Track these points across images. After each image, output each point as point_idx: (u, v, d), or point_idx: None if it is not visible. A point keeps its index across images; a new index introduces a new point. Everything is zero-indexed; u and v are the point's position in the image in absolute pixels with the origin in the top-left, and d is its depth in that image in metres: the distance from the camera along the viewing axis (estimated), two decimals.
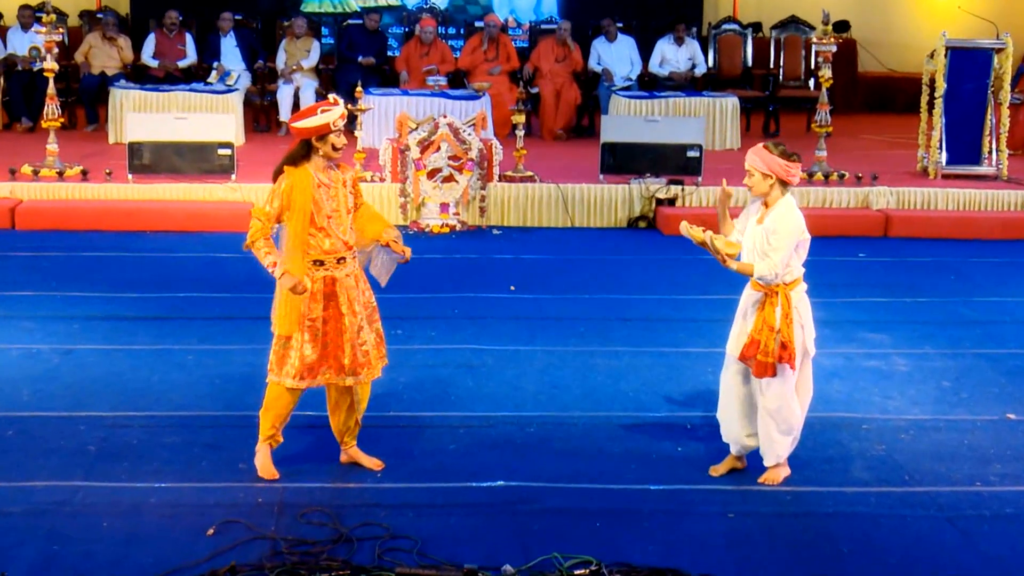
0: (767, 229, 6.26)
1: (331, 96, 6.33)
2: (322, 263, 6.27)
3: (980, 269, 11.36)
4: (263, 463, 6.45)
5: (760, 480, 6.50)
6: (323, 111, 6.14)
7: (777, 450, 6.48)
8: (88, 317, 9.15)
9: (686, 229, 6.32)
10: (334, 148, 6.20)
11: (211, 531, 5.79)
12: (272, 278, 6.34)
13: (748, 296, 6.48)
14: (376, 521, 5.93)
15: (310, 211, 6.18)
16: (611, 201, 12.81)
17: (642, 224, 12.74)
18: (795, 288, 6.33)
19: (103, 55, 16.25)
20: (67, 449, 6.74)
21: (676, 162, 12.99)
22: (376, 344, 6.49)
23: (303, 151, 6.22)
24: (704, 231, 6.30)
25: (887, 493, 6.43)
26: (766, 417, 6.42)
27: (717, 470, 6.63)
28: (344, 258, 6.31)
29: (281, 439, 6.53)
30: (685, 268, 10.81)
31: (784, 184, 6.28)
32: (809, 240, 6.35)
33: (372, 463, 6.59)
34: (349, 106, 13.52)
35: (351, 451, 6.63)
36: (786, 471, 6.56)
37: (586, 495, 6.32)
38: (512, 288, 10.18)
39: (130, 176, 12.56)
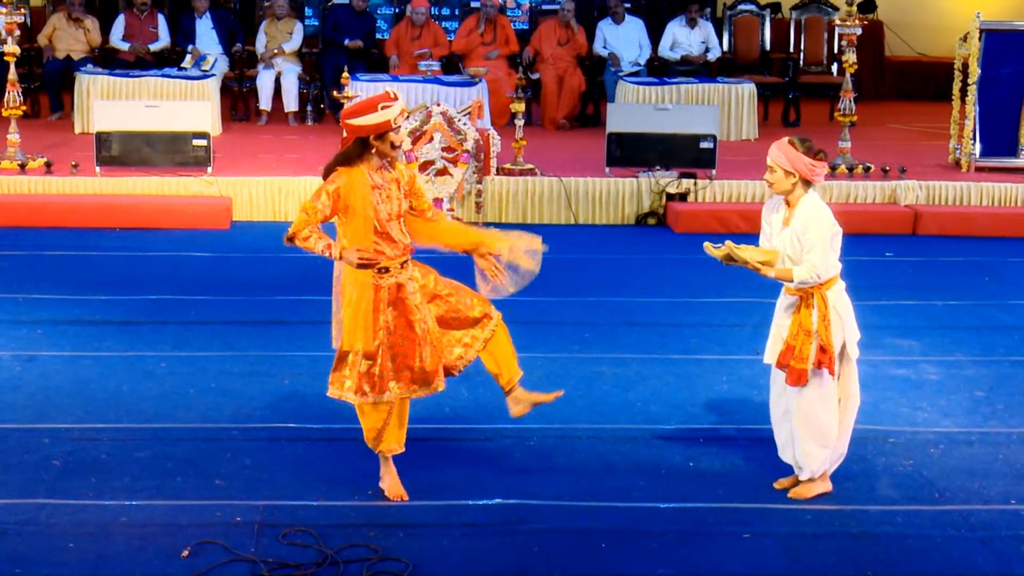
0: (796, 231, 6.28)
1: (390, 90, 6.33)
2: (387, 270, 6.29)
3: (1017, 269, 11.40)
4: (389, 483, 6.48)
5: (790, 495, 6.54)
6: (383, 107, 6.13)
7: (811, 464, 6.50)
8: (52, 321, 9.17)
9: (708, 251, 6.35)
10: (392, 147, 6.23)
11: (185, 552, 5.80)
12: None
13: (782, 300, 6.52)
14: (364, 542, 5.94)
15: (371, 216, 6.20)
16: (618, 196, 12.84)
17: (651, 221, 12.77)
18: (832, 287, 6.36)
19: (68, 38, 16.28)
20: (30, 464, 6.75)
21: (688, 154, 13.01)
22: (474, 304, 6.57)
23: (358, 150, 6.23)
24: (723, 245, 6.31)
25: (915, 512, 6.44)
26: (800, 427, 6.45)
27: (782, 484, 6.66)
28: (407, 262, 6.35)
29: (396, 450, 6.49)
30: (698, 268, 10.81)
31: (807, 183, 6.30)
32: (841, 233, 6.37)
33: (546, 397, 6.67)
34: (335, 93, 13.65)
35: (521, 395, 6.64)
36: (823, 487, 6.57)
37: (590, 514, 6.34)
38: (511, 290, 10.18)
39: (98, 169, 12.58)
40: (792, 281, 6.29)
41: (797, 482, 6.62)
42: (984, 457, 7.14)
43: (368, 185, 6.20)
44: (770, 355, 6.55)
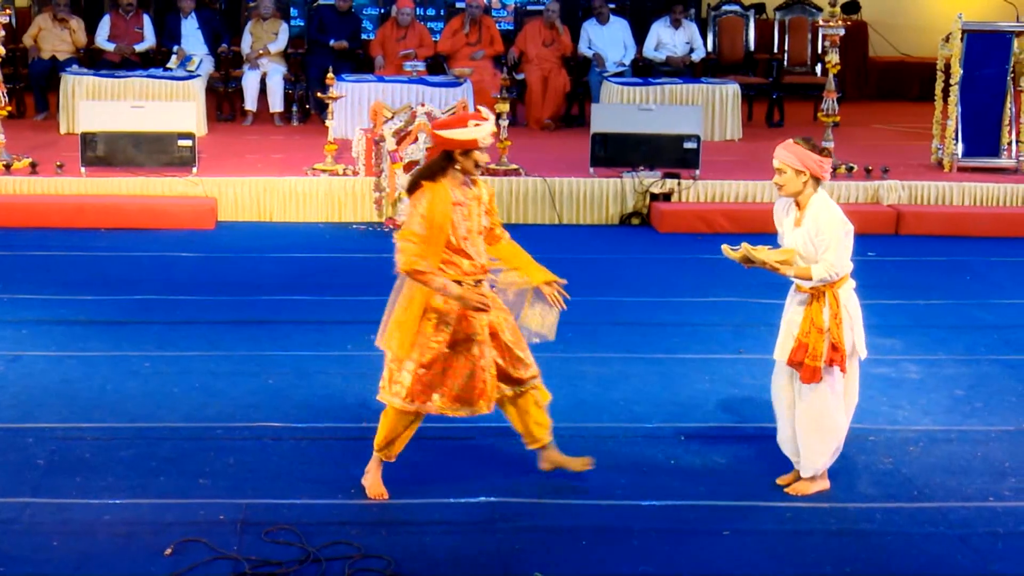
0: (809, 232, 6.31)
1: (483, 109, 6.37)
2: (459, 284, 6.27)
3: (998, 269, 11.45)
4: (371, 482, 6.52)
5: (788, 491, 6.60)
6: (475, 124, 6.18)
7: (816, 462, 6.56)
8: (37, 321, 9.19)
9: (726, 253, 6.40)
10: (476, 165, 6.26)
11: (169, 551, 5.83)
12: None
13: (792, 297, 6.56)
14: (347, 540, 5.97)
15: (448, 231, 6.22)
16: (602, 196, 12.88)
17: (635, 221, 12.80)
18: (843, 286, 6.40)
19: (54, 38, 16.27)
20: (14, 463, 6.78)
21: (672, 154, 13.04)
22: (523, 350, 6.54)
23: (443, 163, 6.26)
24: (740, 248, 6.36)
25: (894, 509, 6.49)
26: (808, 425, 6.49)
27: (785, 480, 6.71)
28: (481, 281, 6.36)
29: (392, 457, 6.54)
30: (681, 268, 10.89)
31: (817, 181, 6.34)
32: (852, 230, 6.40)
33: (582, 463, 6.67)
34: (319, 94, 13.67)
35: (552, 455, 6.68)
36: (823, 484, 6.63)
37: (572, 512, 6.38)
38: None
39: (83, 169, 12.59)
40: (811, 280, 6.32)
41: (798, 477, 6.67)
42: (963, 455, 7.19)
43: (449, 201, 6.21)
44: (781, 351, 6.57)
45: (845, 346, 6.36)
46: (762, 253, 6.35)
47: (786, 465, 6.74)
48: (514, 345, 6.47)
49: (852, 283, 6.48)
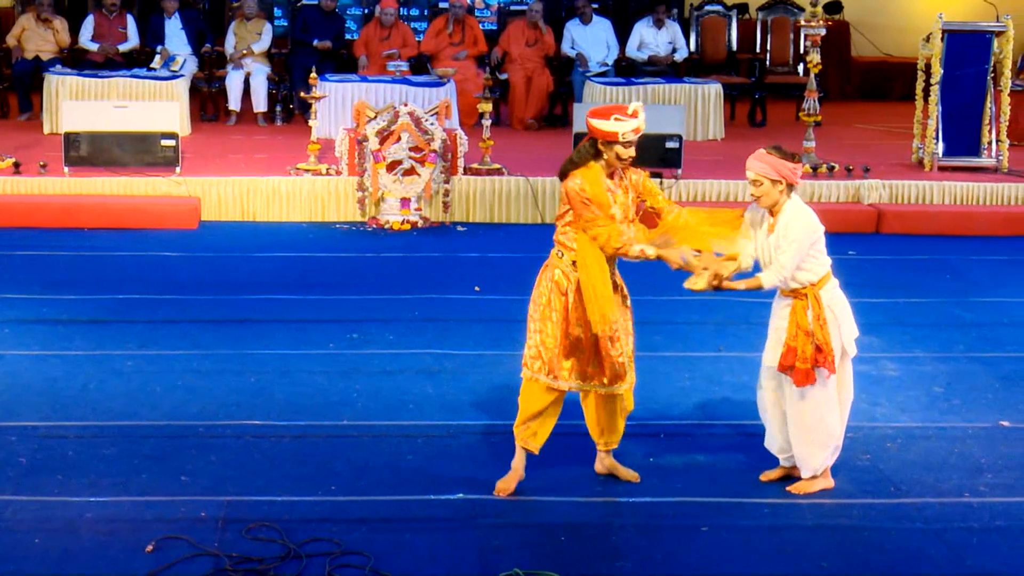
0: (779, 234, 6.36)
1: (632, 106, 6.34)
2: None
3: (978, 267, 11.52)
4: (512, 471, 6.65)
5: (789, 489, 6.65)
6: (617, 119, 6.25)
7: (814, 463, 6.59)
8: (20, 320, 9.21)
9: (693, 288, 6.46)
10: (618, 158, 6.33)
11: (150, 547, 5.86)
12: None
13: (778, 302, 6.59)
14: (327, 536, 6.01)
15: (609, 208, 6.31)
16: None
17: None
18: (824, 286, 6.45)
19: (37, 38, 16.27)
20: None
21: (654, 153, 13.06)
22: (631, 356, 6.65)
23: (590, 150, 6.37)
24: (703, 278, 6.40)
25: (871, 505, 6.55)
26: (803, 427, 6.52)
27: (768, 476, 6.78)
28: (612, 272, 6.44)
29: (532, 446, 6.62)
30: (662, 267, 10.85)
31: (791, 187, 6.38)
32: (823, 233, 6.44)
33: (629, 474, 6.76)
34: (303, 94, 13.69)
35: (605, 460, 6.80)
36: (826, 483, 6.66)
37: (552, 508, 6.43)
38: (477, 289, 10.28)
39: (66, 169, 12.59)
40: (762, 288, 6.37)
41: (785, 475, 6.72)
42: (940, 451, 7.25)
43: (602, 184, 6.33)
44: (770, 357, 6.60)
45: (833, 347, 6.40)
46: (706, 281, 6.38)
47: (768, 461, 6.80)
48: (616, 346, 6.56)
49: (834, 282, 6.52)
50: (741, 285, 6.41)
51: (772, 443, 6.76)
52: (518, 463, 6.64)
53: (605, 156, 6.33)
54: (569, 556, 5.95)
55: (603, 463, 6.79)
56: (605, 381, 6.55)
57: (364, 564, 5.77)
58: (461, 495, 6.51)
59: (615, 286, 6.53)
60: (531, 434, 6.60)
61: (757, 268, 6.55)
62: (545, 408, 6.58)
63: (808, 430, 6.52)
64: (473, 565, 5.84)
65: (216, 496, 6.43)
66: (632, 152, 6.35)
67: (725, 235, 6.47)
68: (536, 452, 6.65)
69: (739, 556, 6.02)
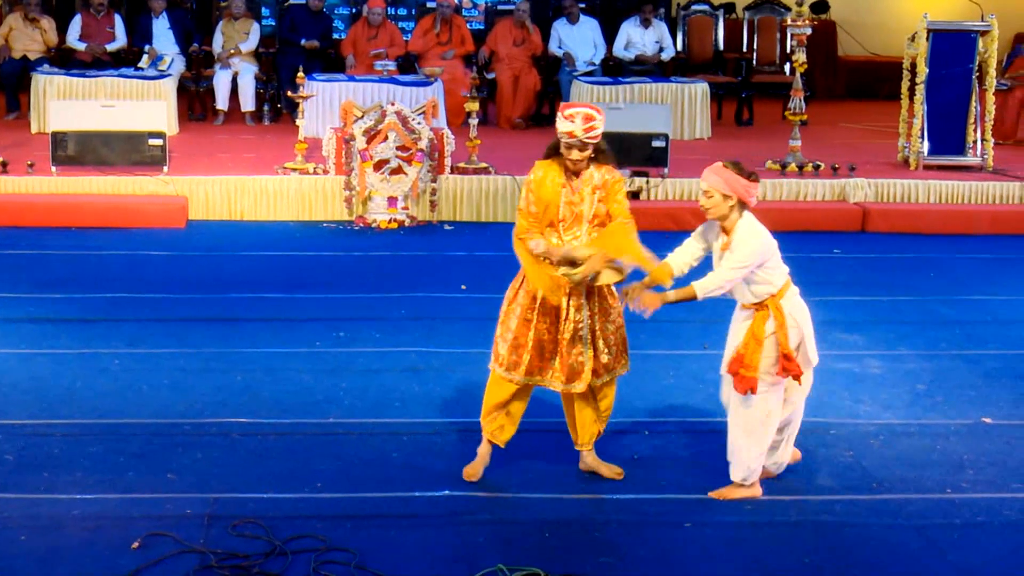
0: (732, 253, 6.37)
1: (588, 111, 6.28)
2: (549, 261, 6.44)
3: (962, 266, 11.57)
4: (478, 457, 6.74)
5: (712, 494, 6.60)
6: (564, 117, 6.28)
7: (748, 466, 6.53)
8: (7, 320, 9.22)
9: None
10: (571, 160, 6.34)
11: (136, 544, 5.87)
12: None
13: (738, 314, 6.59)
14: (312, 533, 6.03)
15: (555, 208, 6.37)
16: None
17: None
18: (785, 296, 6.42)
19: (25, 38, 16.29)
20: None
21: (641, 152, 13.13)
22: (591, 358, 6.58)
23: (555, 146, 6.41)
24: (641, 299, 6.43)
25: (854, 501, 6.59)
26: (742, 431, 6.49)
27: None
28: (575, 264, 6.42)
29: (498, 439, 6.71)
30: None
31: (743, 205, 6.36)
32: (777, 249, 6.41)
33: (611, 471, 6.78)
34: (289, 93, 13.71)
35: (587, 458, 6.83)
36: (754, 492, 6.61)
37: (536, 505, 6.46)
38: (464, 288, 10.30)
39: (54, 168, 12.61)
40: (696, 298, 6.37)
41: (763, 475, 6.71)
42: (922, 448, 7.29)
43: (559, 182, 6.35)
44: (725, 365, 6.61)
45: (793, 351, 6.39)
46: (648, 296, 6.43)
47: None
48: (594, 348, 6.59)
49: (795, 290, 6.48)
50: (671, 296, 6.42)
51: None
52: (484, 450, 6.74)
53: (563, 154, 6.37)
54: (553, 552, 5.97)
55: (585, 461, 6.83)
56: (563, 379, 6.57)
57: (349, 560, 5.80)
58: (447, 492, 6.54)
59: (591, 290, 6.51)
60: (498, 427, 6.68)
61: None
62: (507, 400, 6.64)
63: (746, 434, 6.48)
64: (458, 561, 5.86)
65: (202, 493, 6.45)
66: (575, 156, 6.31)
67: (640, 258, 6.45)
68: (502, 445, 6.72)
69: (722, 552, 6.06)
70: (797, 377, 6.45)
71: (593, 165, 6.40)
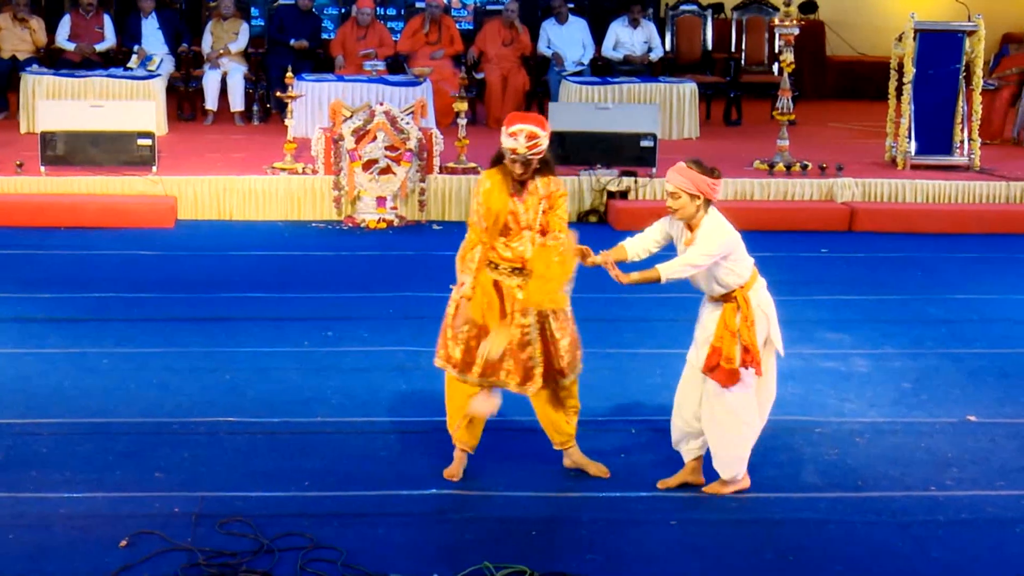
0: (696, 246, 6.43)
1: (529, 128, 6.31)
2: (496, 266, 6.48)
3: (949, 265, 11.61)
4: (455, 460, 6.78)
5: (705, 490, 6.68)
6: (509, 134, 6.30)
7: (733, 464, 6.60)
8: None
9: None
10: (515, 173, 6.38)
11: (124, 542, 5.90)
12: None
13: (704, 305, 6.62)
14: (299, 531, 6.06)
15: (504, 217, 6.40)
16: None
17: (592, 218, 12.93)
18: (752, 288, 6.47)
19: (14, 38, 16.28)
20: None
21: (629, 152, 13.17)
22: (540, 363, 6.61)
23: (502, 155, 6.44)
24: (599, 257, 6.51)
25: (838, 499, 6.63)
26: (722, 427, 6.52)
27: (667, 483, 6.75)
28: (520, 269, 6.48)
29: (465, 443, 6.74)
30: (637, 265, 10.94)
31: (708, 202, 6.41)
32: (741, 242, 6.45)
33: (598, 470, 6.81)
34: (278, 93, 13.72)
35: (572, 455, 6.87)
36: (744, 483, 6.68)
37: (522, 503, 6.49)
38: (452, 287, 10.30)
39: (43, 168, 12.61)
40: (660, 280, 6.40)
41: (684, 481, 6.72)
42: (907, 446, 7.33)
43: (507, 190, 6.39)
44: (696, 357, 6.61)
45: (757, 344, 6.43)
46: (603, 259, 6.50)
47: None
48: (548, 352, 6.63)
49: (762, 282, 6.53)
50: (635, 276, 6.44)
51: (680, 443, 6.76)
52: (459, 453, 6.78)
53: (507, 166, 6.42)
54: (539, 550, 6.01)
55: (570, 459, 6.86)
56: (517, 380, 6.61)
57: (336, 558, 5.82)
58: (433, 490, 6.57)
59: None
60: (464, 434, 6.72)
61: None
62: (462, 404, 6.67)
63: (727, 430, 6.52)
64: (444, 559, 5.88)
65: (190, 492, 6.47)
66: (519, 170, 6.36)
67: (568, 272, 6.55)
68: (471, 451, 6.76)
69: (707, 549, 6.09)
70: (758, 372, 6.48)
71: (538, 176, 6.45)
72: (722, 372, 6.43)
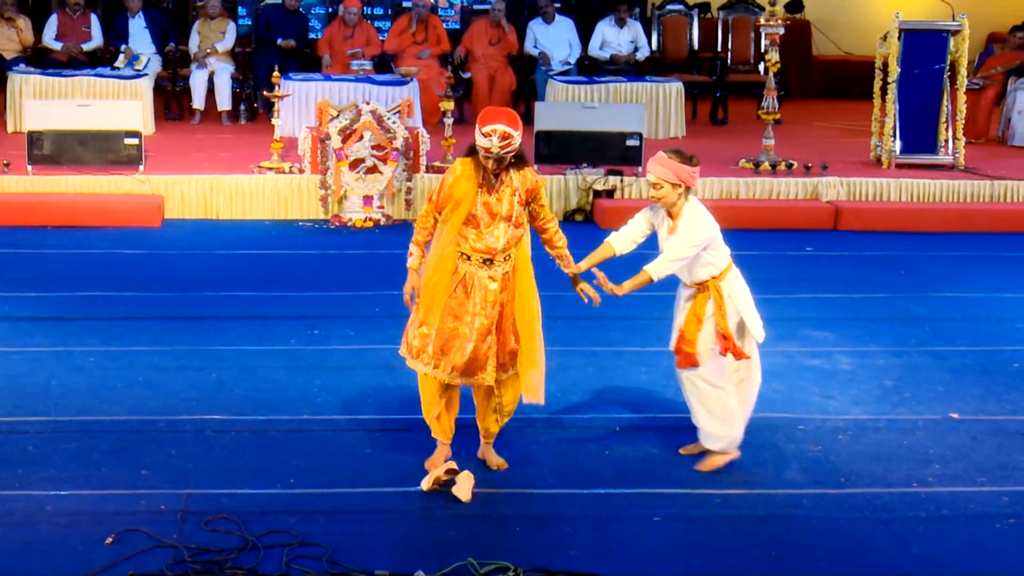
0: (678, 235, 6.62)
1: (503, 128, 6.34)
2: (468, 258, 6.55)
3: (933, 264, 11.66)
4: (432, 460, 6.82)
5: (697, 467, 6.87)
6: (483, 134, 6.35)
7: (720, 440, 6.84)
8: None
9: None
10: (489, 168, 6.43)
11: (110, 540, 5.91)
12: None
13: (680, 294, 6.88)
14: (285, 528, 6.08)
15: (468, 206, 6.47)
16: (546, 193, 12.97)
17: (579, 217, 12.96)
18: (725, 278, 6.70)
19: (1, 37, 16.28)
20: None
21: (615, 151, 13.21)
22: (495, 353, 6.67)
23: (473, 147, 6.49)
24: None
25: (821, 495, 6.66)
26: (704, 405, 6.79)
27: (688, 450, 7.03)
28: (492, 260, 6.53)
29: (442, 437, 6.81)
30: (622, 264, 10.94)
31: (688, 190, 6.64)
32: (719, 231, 6.68)
33: (495, 463, 6.89)
34: (265, 92, 13.73)
35: (484, 448, 6.96)
36: (731, 455, 6.90)
37: (506, 500, 6.52)
38: None
39: (30, 168, 12.62)
40: (651, 280, 6.62)
41: (703, 450, 6.93)
42: (889, 443, 7.37)
43: (475, 180, 6.45)
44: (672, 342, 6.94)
45: (731, 331, 6.64)
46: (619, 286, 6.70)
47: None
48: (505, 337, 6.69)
49: (735, 272, 6.79)
50: (627, 285, 6.69)
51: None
52: (441, 446, 6.86)
53: (481, 161, 6.48)
54: (523, 547, 6.03)
55: (481, 451, 6.98)
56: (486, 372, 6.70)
57: (321, 555, 5.84)
58: (419, 487, 6.58)
59: (506, 286, 6.62)
60: (435, 425, 6.80)
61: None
62: (440, 395, 6.75)
63: (709, 409, 6.78)
64: (429, 556, 5.89)
65: (176, 489, 6.48)
66: (492, 166, 6.43)
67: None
68: (447, 442, 6.83)
69: (691, 546, 6.12)
70: (738, 357, 6.70)
71: (512, 169, 6.52)
72: (681, 354, 6.74)
